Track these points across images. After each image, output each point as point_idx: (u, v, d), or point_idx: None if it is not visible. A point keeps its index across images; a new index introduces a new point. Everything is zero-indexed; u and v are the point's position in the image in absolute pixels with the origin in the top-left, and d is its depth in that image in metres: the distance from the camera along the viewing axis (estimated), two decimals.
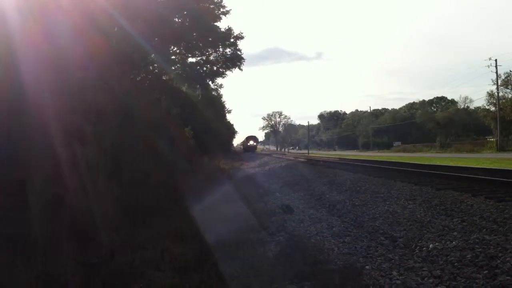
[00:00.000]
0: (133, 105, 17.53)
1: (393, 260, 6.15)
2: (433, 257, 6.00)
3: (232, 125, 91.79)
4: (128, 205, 10.45)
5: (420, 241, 6.75)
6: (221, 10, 29.36)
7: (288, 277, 5.83)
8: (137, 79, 26.73)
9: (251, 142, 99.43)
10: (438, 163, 23.62)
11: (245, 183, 19.85)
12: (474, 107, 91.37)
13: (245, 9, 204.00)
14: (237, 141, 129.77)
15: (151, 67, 29.24)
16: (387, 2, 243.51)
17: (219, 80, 35.98)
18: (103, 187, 10.43)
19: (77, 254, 6.53)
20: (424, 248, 6.40)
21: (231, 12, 29.27)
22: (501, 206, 7.65)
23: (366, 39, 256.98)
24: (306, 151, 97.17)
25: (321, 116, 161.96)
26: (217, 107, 58.81)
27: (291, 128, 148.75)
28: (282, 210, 11.12)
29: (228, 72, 32.57)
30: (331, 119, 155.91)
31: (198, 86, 37.54)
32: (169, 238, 8.15)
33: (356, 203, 10.52)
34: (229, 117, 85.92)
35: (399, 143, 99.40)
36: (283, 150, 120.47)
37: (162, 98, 28.96)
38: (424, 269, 5.65)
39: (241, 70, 32.21)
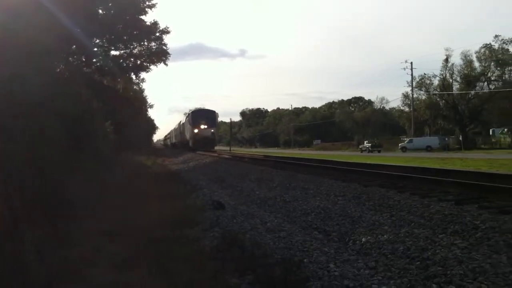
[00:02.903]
0: (54, 98, 16.83)
1: (329, 253, 6.35)
2: (367, 250, 6.27)
3: (153, 120, 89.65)
4: (53, 201, 10.06)
5: (353, 235, 7.02)
6: (147, 3, 28.84)
7: (229, 271, 5.87)
8: (57, 70, 25.63)
9: (203, 127, 52.24)
10: (358, 161, 24.52)
11: (171, 179, 19.67)
12: (390, 108, 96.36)
13: (169, 2, 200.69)
14: (157, 136, 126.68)
15: (71, 59, 28.14)
16: (308, 2, 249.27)
17: (142, 74, 35.28)
18: (26, 182, 9.98)
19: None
20: (358, 242, 6.67)
21: (157, 5, 28.85)
22: (426, 202, 8.10)
23: (288, 38, 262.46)
24: (227, 148, 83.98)
25: (243, 113, 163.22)
26: (139, 101, 57.66)
27: None
28: (213, 206, 11.12)
29: (152, 67, 32.06)
30: (253, 116, 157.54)
31: (119, 79, 36.56)
32: (101, 235, 7.95)
33: (287, 199, 10.73)
34: (150, 112, 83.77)
35: (319, 141, 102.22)
36: None
37: (83, 91, 27.95)
38: (359, 261, 5.88)
39: (166, 65, 31.84)
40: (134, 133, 43.60)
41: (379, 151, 57.23)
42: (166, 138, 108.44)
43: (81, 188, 12.11)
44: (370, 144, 61.42)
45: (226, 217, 9.82)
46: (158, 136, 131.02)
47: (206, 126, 52.07)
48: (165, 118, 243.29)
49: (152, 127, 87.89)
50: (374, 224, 7.35)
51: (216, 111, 57.06)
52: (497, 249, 5.37)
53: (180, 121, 70.30)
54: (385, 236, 6.61)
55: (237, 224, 8.99)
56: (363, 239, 6.70)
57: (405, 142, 61.88)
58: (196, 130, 51.74)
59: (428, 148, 56.48)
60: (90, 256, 6.27)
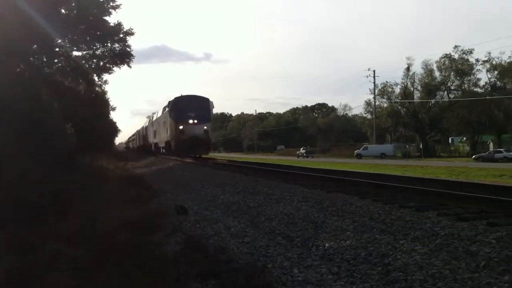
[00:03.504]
0: (12, 99, 16.45)
1: (292, 259, 6.36)
2: (330, 255, 6.31)
3: (115, 123, 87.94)
4: (7, 204, 9.79)
5: (316, 241, 7.05)
6: (111, 4, 28.38)
7: (192, 276, 5.82)
8: (17, 70, 25.00)
9: (193, 122, 34.61)
10: (322, 167, 24.75)
11: (133, 183, 19.40)
12: (353, 115, 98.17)
13: (134, 3, 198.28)
14: (119, 139, 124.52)
15: (32, 58, 27.48)
16: (271, 9, 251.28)
17: (105, 76, 34.56)
18: None
19: None
20: (321, 247, 6.70)
21: (121, 6, 28.43)
22: (387, 208, 8.24)
23: (251, 43, 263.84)
24: None
25: None
26: (102, 104, 56.65)
27: None
28: (176, 211, 11.01)
29: (116, 68, 31.56)
30: (217, 120, 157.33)
31: (81, 81, 35.87)
32: (60, 239, 7.76)
33: (251, 205, 10.71)
34: (112, 114, 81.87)
35: (283, 146, 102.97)
36: None
37: (43, 92, 27.36)
38: (322, 266, 5.92)
39: (130, 67, 31.40)
40: (96, 136, 42.82)
41: (312, 157, 67.93)
42: (129, 140, 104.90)
43: (42, 192, 11.83)
44: (304, 151, 74.02)
45: (189, 222, 9.74)
46: (120, 139, 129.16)
47: (196, 121, 34.58)
48: (128, 121, 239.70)
49: (114, 130, 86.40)
50: (337, 230, 7.41)
51: (211, 100, 37.38)
52: (456, 256, 5.50)
53: (151, 118, 54.50)
54: (347, 241, 6.68)
55: (200, 229, 8.93)
56: (326, 245, 6.74)
57: (361, 149, 63.52)
58: (181, 127, 34.35)
59: (382, 156, 58.39)
60: (50, 261, 6.11)
